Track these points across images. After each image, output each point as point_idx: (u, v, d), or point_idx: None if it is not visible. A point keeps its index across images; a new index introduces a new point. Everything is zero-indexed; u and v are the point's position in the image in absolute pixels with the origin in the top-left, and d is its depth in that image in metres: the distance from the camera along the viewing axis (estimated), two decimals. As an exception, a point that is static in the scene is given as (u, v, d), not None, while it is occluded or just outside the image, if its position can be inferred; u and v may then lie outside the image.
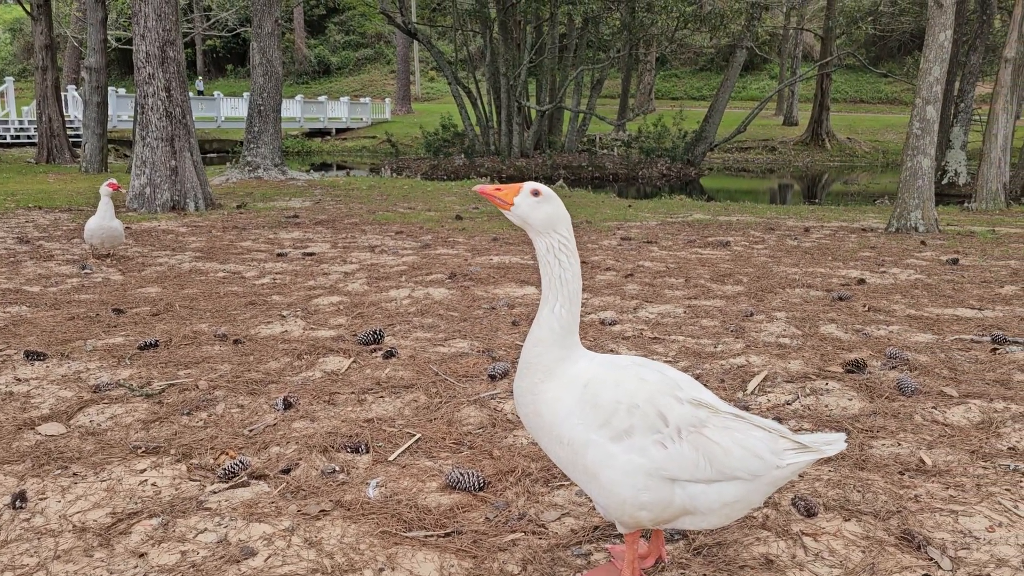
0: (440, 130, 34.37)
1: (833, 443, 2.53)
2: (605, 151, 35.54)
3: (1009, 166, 18.72)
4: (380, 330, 5.72)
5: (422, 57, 63.29)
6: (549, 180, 27.02)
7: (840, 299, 7.05)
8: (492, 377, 4.86)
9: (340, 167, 36.72)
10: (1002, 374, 4.99)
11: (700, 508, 2.55)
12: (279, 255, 9.41)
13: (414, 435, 4.04)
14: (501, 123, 31.77)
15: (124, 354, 5.33)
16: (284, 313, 6.52)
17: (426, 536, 3.10)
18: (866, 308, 6.75)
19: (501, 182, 24.47)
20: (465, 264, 8.72)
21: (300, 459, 3.76)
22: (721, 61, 57.61)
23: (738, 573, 2.84)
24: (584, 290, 7.43)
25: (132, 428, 4.14)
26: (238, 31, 47.40)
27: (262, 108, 21.29)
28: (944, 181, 24.85)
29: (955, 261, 9.14)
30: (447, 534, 3.11)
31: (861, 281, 7.94)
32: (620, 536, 3.09)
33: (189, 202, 14.62)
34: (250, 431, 4.10)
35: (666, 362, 5.25)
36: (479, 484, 3.46)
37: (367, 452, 3.86)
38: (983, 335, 5.86)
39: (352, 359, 5.28)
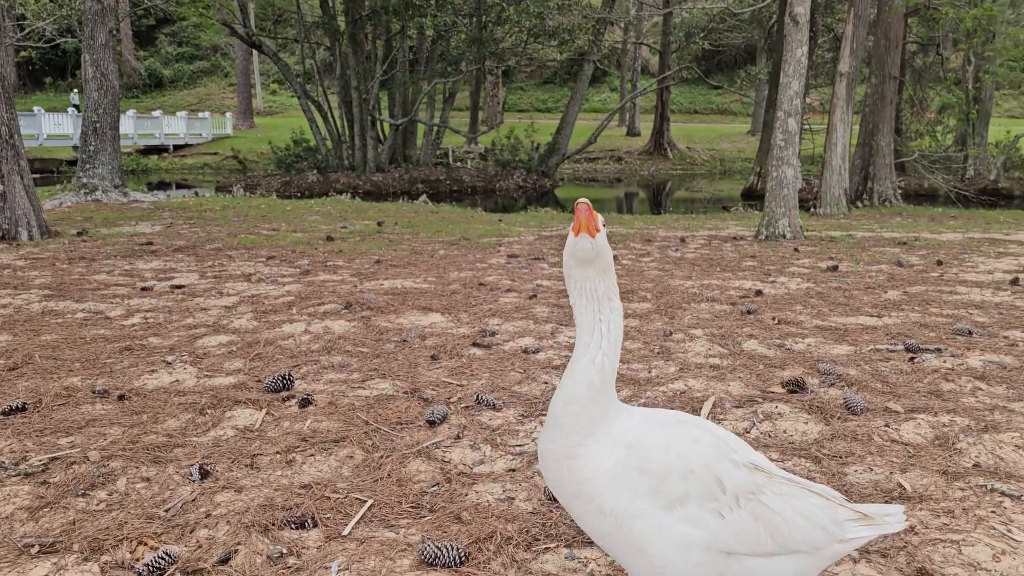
0: (292, 145, 33.06)
1: (893, 515, 2.34)
2: (460, 164, 35.43)
3: (848, 172, 19.96)
4: (288, 373, 5.15)
5: (263, 70, 61.09)
6: (409, 195, 26.53)
7: (748, 312, 7.07)
8: (431, 423, 4.43)
9: (181, 186, 34.65)
10: (930, 384, 5.07)
11: (755, 584, 2.28)
12: (143, 289, 8.50)
13: (365, 501, 3.56)
14: (355, 137, 30.89)
15: (-15, 422, 4.51)
16: (168, 359, 5.79)
17: (415, 630, 2.67)
18: (776, 321, 6.79)
19: (362, 199, 23.75)
20: (356, 291, 8.18)
21: (238, 543, 3.21)
22: (564, 74, 59.02)
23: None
24: (493, 314, 7.10)
25: (16, 519, 3.43)
26: (57, 42, 43.85)
27: (98, 125, 19.61)
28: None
29: (835, 268, 9.47)
30: (439, 625, 2.69)
31: (758, 293, 8.03)
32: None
33: (21, 231, 13.12)
34: (166, 511, 3.49)
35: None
36: (459, 558, 3.05)
37: (315, 526, 3.35)
38: (895, 343, 5.99)
39: (264, 411, 4.70)
